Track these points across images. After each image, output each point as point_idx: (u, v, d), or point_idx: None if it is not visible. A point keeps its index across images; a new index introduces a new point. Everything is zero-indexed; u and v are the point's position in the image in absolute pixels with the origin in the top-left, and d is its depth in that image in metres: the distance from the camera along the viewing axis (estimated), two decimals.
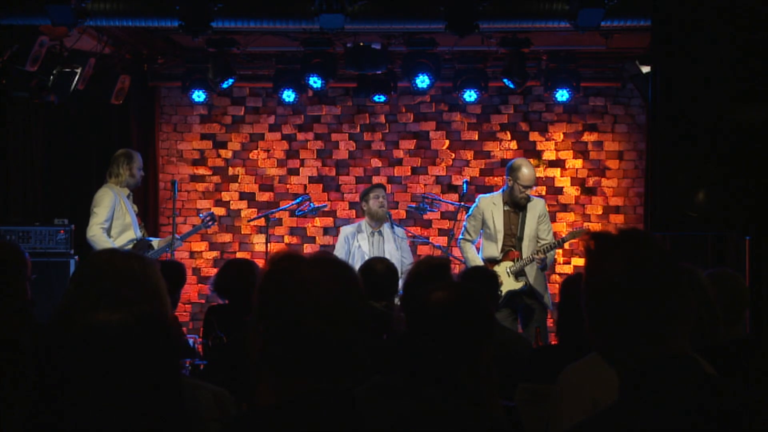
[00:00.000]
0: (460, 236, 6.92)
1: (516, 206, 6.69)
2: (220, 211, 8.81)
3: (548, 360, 3.58)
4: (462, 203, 7.22)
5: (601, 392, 2.47)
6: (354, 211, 8.75)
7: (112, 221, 6.60)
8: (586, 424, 1.67)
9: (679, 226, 3.73)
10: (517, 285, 6.61)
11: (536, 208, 6.71)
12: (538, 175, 8.60)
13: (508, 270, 6.64)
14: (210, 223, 7.25)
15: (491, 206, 6.73)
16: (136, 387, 1.56)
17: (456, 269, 8.00)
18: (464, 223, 6.90)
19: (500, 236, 6.70)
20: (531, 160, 8.58)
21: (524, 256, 6.63)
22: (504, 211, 6.71)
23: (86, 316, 1.59)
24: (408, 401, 2.05)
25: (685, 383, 1.59)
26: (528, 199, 6.67)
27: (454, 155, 8.78)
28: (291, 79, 7.91)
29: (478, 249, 6.86)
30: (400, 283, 4.41)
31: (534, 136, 8.73)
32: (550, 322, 7.32)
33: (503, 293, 6.51)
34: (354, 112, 8.86)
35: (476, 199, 6.92)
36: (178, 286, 5.01)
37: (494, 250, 6.71)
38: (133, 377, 1.56)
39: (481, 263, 6.69)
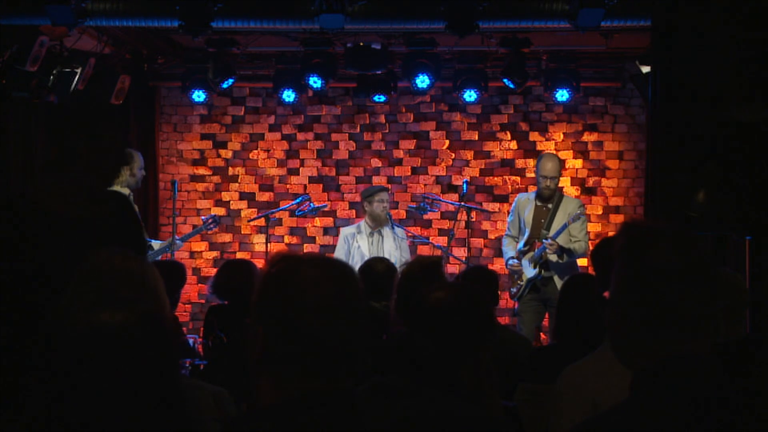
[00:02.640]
0: (506, 232, 7.23)
1: (542, 199, 6.91)
2: (220, 211, 8.81)
3: (548, 360, 3.58)
4: (462, 203, 7.23)
5: (601, 393, 2.47)
6: (354, 211, 8.75)
7: None
8: (594, 423, 1.66)
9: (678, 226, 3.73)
10: (532, 273, 6.81)
11: (569, 206, 6.90)
12: None
13: (529, 259, 6.82)
14: (212, 225, 7.25)
15: (526, 202, 7.01)
16: (136, 387, 1.56)
17: (456, 269, 8.00)
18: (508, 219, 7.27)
19: (528, 229, 6.91)
20: (531, 160, 8.61)
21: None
22: (536, 205, 6.95)
23: (88, 316, 1.59)
24: (408, 401, 2.05)
25: (698, 385, 1.58)
26: (551, 191, 6.88)
27: (454, 155, 8.77)
28: (291, 79, 7.91)
29: None
30: None
31: (534, 136, 8.72)
32: None
33: (525, 281, 6.84)
34: (354, 112, 8.86)
35: (516, 198, 7.24)
36: (177, 286, 5.00)
37: (522, 242, 6.93)
38: (134, 377, 1.56)
39: (512, 255, 6.95)
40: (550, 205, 6.89)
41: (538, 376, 3.52)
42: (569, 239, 6.77)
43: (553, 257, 6.74)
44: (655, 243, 1.66)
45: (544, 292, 6.83)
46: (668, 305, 1.63)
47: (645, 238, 1.68)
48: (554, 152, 8.08)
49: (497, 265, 8.48)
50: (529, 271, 6.79)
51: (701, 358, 1.62)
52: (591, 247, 6.64)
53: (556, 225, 6.81)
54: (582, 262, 8.47)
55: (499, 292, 6.44)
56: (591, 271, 2.80)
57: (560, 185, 8.58)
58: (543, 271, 6.79)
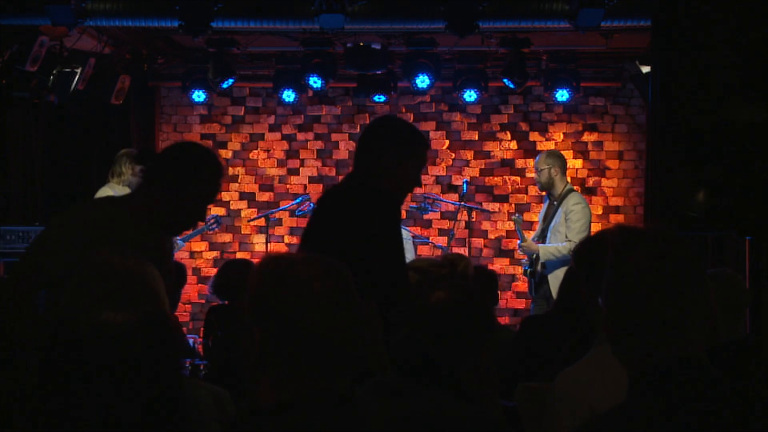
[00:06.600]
0: None
1: (548, 194, 6.77)
2: (220, 211, 8.81)
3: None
4: (462, 203, 7.23)
5: (597, 398, 2.46)
6: None
7: None
8: (592, 426, 1.67)
9: (679, 226, 3.73)
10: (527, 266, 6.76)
11: (567, 204, 6.64)
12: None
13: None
14: (214, 226, 7.27)
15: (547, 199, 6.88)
16: (138, 387, 1.56)
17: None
18: None
19: (539, 226, 6.84)
20: (531, 160, 8.61)
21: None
22: (549, 202, 6.80)
23: (90, 316, 1.59)
24: (408, 401, 2.05)
25: (694, 386, 1.58)
26: (541, 183, 6.68)
27: (454, 155, 8.77)
28: (291, 79, 7.91)
29: None
30: None
31: (534, 136, 8.72)
32: None
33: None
34: (354, 112, 8.86)
35: None
36: (178, 287, 5.00)
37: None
38: (136, 377, 1.56)
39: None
40: (555, 202, 6.72)
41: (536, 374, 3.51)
42: (564, 238, 6.56)
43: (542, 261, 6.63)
44: (637, 246, 1.67)
45: (543, 290, 6.72)
46: (650, 307, 1.63)
47: (628, 242, 1.68)
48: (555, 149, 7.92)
49: (497, 265, 8.49)
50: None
51: (693, 359, 1.62)
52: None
53: (554, 222, 6.66)
54: None
55: (499, 292, 6.46)
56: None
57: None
58: (532, 266, 6.70)
